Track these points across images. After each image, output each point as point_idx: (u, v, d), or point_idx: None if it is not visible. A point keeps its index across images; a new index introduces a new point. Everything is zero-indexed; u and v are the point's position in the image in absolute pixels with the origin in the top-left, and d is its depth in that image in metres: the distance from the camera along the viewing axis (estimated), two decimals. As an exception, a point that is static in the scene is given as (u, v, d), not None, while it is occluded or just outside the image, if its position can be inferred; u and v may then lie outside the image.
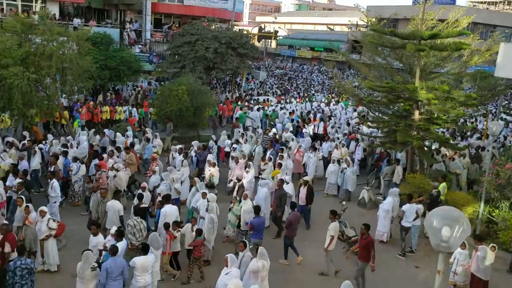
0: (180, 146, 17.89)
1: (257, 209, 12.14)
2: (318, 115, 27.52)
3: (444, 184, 15.10)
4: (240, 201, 12.91)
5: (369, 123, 20.36)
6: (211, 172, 15.77)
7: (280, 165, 16.60)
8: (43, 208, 11.02)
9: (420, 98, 15.92)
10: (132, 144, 18.04)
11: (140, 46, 35.56)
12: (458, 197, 15.09)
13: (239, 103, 30.77)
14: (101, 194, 12.28)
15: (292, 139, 21.02)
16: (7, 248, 9.61)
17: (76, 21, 32.36)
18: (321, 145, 20.76)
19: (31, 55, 17.73)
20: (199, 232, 11.06)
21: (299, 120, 25.98)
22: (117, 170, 14.67)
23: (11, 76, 16.25)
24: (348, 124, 26.41)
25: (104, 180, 14.24)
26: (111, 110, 24.31)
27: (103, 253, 9.87)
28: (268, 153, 18.39)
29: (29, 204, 11.32)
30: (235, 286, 8.11)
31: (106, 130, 19.89)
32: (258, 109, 27.64)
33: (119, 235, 10.15)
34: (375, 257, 10.77)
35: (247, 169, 15.81)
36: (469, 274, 10.88)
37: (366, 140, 21.20)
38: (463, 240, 6.16)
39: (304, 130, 23.29)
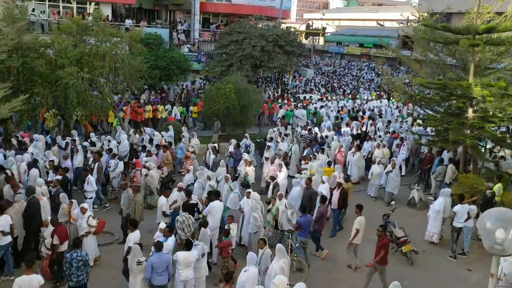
0: (215, 144, 17.99)
1: (303, 208, 12.12)
2: (367, 113, 27.06)
3: (499, 184, 14.51)
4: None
5: (419, 121, 19.82)
6: (246, 171, 15.79)
7: (330, 163, 16.60)
8: (84, 205, 11.38)
9: (474, 95, 15.34)
10: (170, 143, 18.22)
11: (188, 45, 36.18)
12: (515, 198, 14.42)
13: (279, 101, 30.62)
14: (133, 191, 12.40)
15: (333, 139, 20.58)
16: (55, 240, 10.11)
17: (128, 22, 33.31)
18: (362, 144, 20.23)
19: (86, 55, 18.43)
20: (226, 233, 11.03)
21: (348, 118, 25.55)
22: (149, 169, 14.93)
23: (66, 76, 16.96)
24: (389, 122, 25.55)
25: (138, 178, 14.66)
26: (154, 109, 24.64)
27: (152, 249, 10.11)
28: (305, 152, 18.11)
29: (74, 200, 11.75)
30: (279, 282, 8.10)
31: (147, 129, 20.16)
32: (304, 107, 27.47)
33: (170, 231, 10.41)
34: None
35: (279, 168, 15.73)
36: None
37: (410, 139, 20.53)
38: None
39: (343, 129, 22.52)
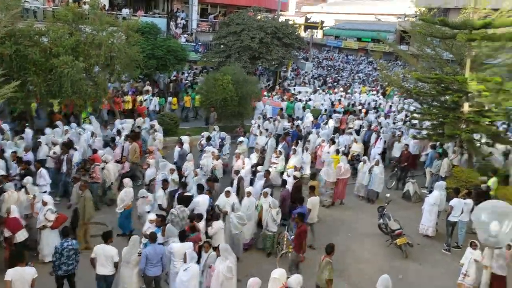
0: (181, 137, 17.21)
1: (300, 199, 12.16)
2: (366, 107, 27.10)
3: (494, 179, 14.63)
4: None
5: (415, 115, 19.88)
6: (214, 164, 15.19)
7: (338, 151, 16.52)
8: (45, 197, 11.11)
9: (470, 90, 15.43)
10: (137, 134, 17.42)
11: (186, 35, 35.99)
12: (509, 192, 14.54)
13: (264, 93, 30.08)
14: (80, 187, 11.67)
15: (311, 132, 20.20)
16: (6, 233, 10.10)
17: (125, 11, 33.08)
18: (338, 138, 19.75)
19: (81, 44, 18.22)
20: (192, 228, 10.59)
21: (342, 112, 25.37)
22: (106, 162, 14.29)
23: (61, 65, 16.78)
24: (366, 113, 24.99)
25: (97, 174, 13.89)
26: (133, 100, 23.58)
27: (143, 240, 9.97)
28: (280, 146, 17.77)
29: (37, 193, 11.53)
30: (280, 275, 8.07)
31: (117, 121, 19.45)
32: (299, 100, 27.17)
33: (162, 220, 10.39)
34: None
35: (244, 163, 15.17)
36: (481, 276, 10.23)
37: (387, 133, 20.44)
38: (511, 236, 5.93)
39: (322, 123, 22.05)
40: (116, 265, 9.18)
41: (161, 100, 25.16)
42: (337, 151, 16.90)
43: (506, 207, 6.37)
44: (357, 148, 18.55)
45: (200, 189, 12.30)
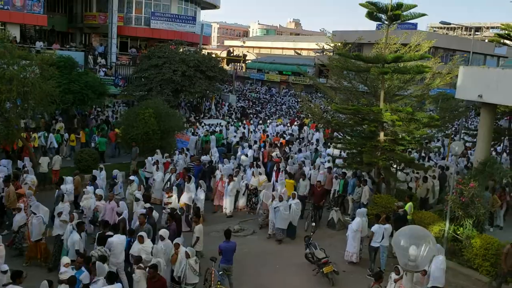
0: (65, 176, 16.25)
1: (227, 233, 11.86)
2: (287, 138, 27.57)
3: (410, 203, 15.29)
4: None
5: (334, 144, 20.54)
6: (96, 205, 14.45)
7: (291, 175, 17.04)
8: None
9: (384, 120, 16.22)
10: (17, 176, 16.05)
11: (105, 69, 35.12)
12: (424, 216, 15.31)
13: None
14: None
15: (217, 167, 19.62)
16: None
17: (39, 44, 31.81)
18: (244, 171, 19.39)
19: (-11, 79, 17.17)
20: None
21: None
22: None
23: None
24: (276, 146, 24.75)
25: None
26: (26, 137, 21.50)
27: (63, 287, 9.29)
28: (175, 182, 17.13)
29: None
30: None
31: (3, 161, 18.08)
32: (211, 132, 26.61)
33: (85, 261, 9.85)
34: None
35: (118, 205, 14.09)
36: None
37: (292, 166, 20.49)
38: (429, 259, 6.16)
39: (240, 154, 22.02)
40: None
41: (57, 136, 23.28)
42: (290, 175, 17.32)
43: (422, 231, 6.61)
44: (254, 182, 18.06)
45: (115, 229, 11.72)
